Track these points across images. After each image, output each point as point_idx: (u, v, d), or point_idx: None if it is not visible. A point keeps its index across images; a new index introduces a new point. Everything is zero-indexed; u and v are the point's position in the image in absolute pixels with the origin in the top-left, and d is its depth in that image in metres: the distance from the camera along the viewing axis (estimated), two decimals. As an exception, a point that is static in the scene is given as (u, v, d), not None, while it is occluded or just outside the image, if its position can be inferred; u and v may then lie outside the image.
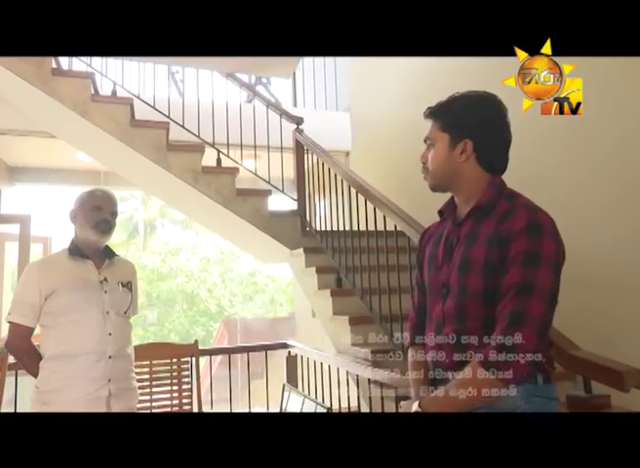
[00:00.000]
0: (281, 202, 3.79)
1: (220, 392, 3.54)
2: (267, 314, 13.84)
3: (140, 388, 2.67)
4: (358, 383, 2.18)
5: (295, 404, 2.04)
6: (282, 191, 3.48)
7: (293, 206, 3.51)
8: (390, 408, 1.91)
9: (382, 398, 1.95)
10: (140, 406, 2.62)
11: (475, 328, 1.04)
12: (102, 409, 1.60)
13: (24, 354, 1.67)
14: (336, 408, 2.49)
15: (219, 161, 3.35)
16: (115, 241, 13.59)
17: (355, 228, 2.78)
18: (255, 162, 3.55)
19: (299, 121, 3.46)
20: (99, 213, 1.68)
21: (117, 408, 1.63)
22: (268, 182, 3.44)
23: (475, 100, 1.12)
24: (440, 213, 1.21)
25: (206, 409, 2.87)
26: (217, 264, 14.68)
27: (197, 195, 3.20)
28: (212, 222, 4.09)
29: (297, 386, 3.10)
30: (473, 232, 1.08)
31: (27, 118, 3.50)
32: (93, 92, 3.12)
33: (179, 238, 15.04)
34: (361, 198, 2.57)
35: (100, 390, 1.60)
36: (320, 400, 2.39)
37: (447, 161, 1.11)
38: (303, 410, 1.89)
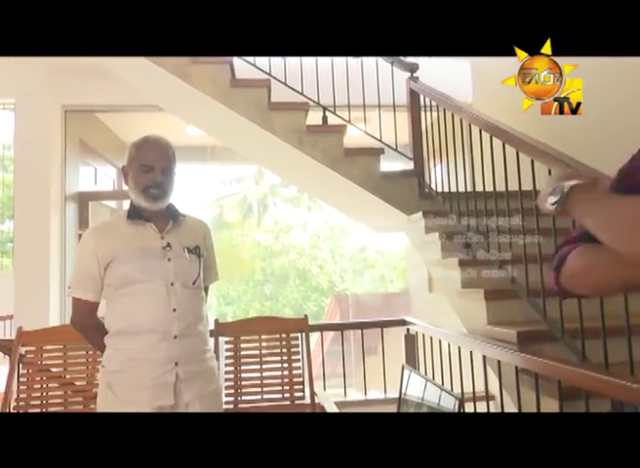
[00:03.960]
0: (394, 167, 3.40)
1: (333, 367, 3.37)
2: (377, 290, 13.64)
3: (249, 364, 2.55)
4: (500, 371, 1.77)
5: (416, 388, 1.76)
6: (395, 149, 3.09)
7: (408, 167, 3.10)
8: (550, 405, 1.49)
9: (538, 392, 1.53)
10: (248, 383, 2.50)
11: None
12: (170, 396, 1.37)
13: (90, 331, 1.49)
14: (465, 396, 2.10)
15: (324, 119, 3.05)
16: (232, 221, 14.29)
17: (489, 188, 2.30)
18: (364, 125, 3.19)
19: (413, 68, 3.02)
20: (148, 174, 1.41)
21: (189, 394, 1.39)
22: (380, 140, 3.06)
23: None
24: None
25: (318, 383, 2.67)
26: (327, 241, 14.75)
27: (304, 159, 2.94)
28: (321, 191, 3.84)
29: (416, 368, 2.77)
30: None
31: (136, 92, 3.50)
32: (193, 54, 2.99)
33: (289, 216, 15.34)
34: (496, 149, 2.11)
35: (165, 375, 1.37)
36: (446, 386, 2.03)
37: None
38: (425, 397, 1.62)
